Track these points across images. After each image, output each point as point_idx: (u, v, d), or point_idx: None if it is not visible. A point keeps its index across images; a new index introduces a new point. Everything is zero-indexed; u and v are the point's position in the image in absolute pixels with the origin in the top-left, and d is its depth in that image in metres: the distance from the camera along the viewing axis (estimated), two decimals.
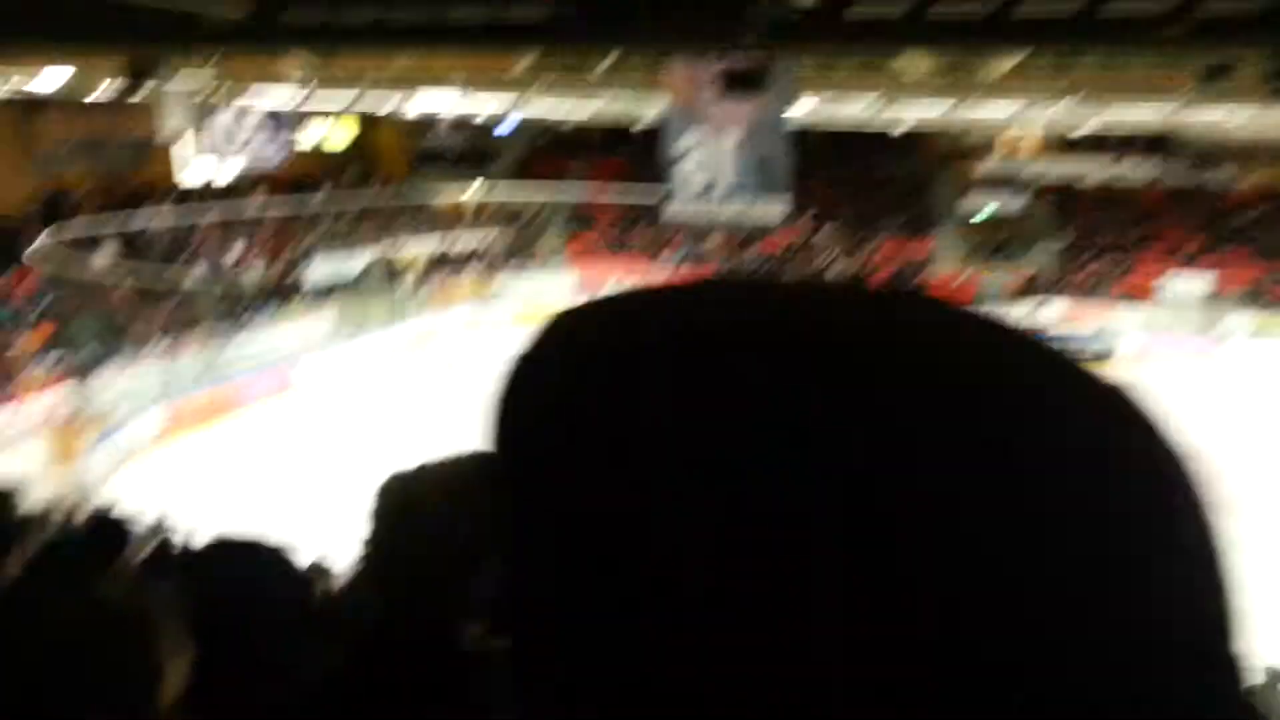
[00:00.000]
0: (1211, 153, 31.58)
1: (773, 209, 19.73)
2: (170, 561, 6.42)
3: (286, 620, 2.13)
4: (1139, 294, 28.69)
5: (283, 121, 23.53)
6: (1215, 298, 28.07)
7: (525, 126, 35.27)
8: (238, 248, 26.00)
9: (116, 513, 6.37)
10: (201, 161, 21.88)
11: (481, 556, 1.23)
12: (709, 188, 20.08)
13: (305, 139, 29.93)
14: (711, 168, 19.79)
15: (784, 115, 18.32)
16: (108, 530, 5.39)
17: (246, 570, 2.11)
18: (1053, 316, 28.16)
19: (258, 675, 1.91)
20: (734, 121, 18.89)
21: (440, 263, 30.69)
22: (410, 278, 28.91)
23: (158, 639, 1.62)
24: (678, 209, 20.09)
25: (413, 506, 1.29)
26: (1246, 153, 31.34)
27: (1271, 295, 27.72)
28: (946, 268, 30.79)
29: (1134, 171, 31.93)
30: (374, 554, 1.32)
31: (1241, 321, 27.16)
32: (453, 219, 32.86)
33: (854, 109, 23.45)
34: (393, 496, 1.32)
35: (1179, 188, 31.48)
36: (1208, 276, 28.36)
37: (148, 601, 1.68)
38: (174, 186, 26.60)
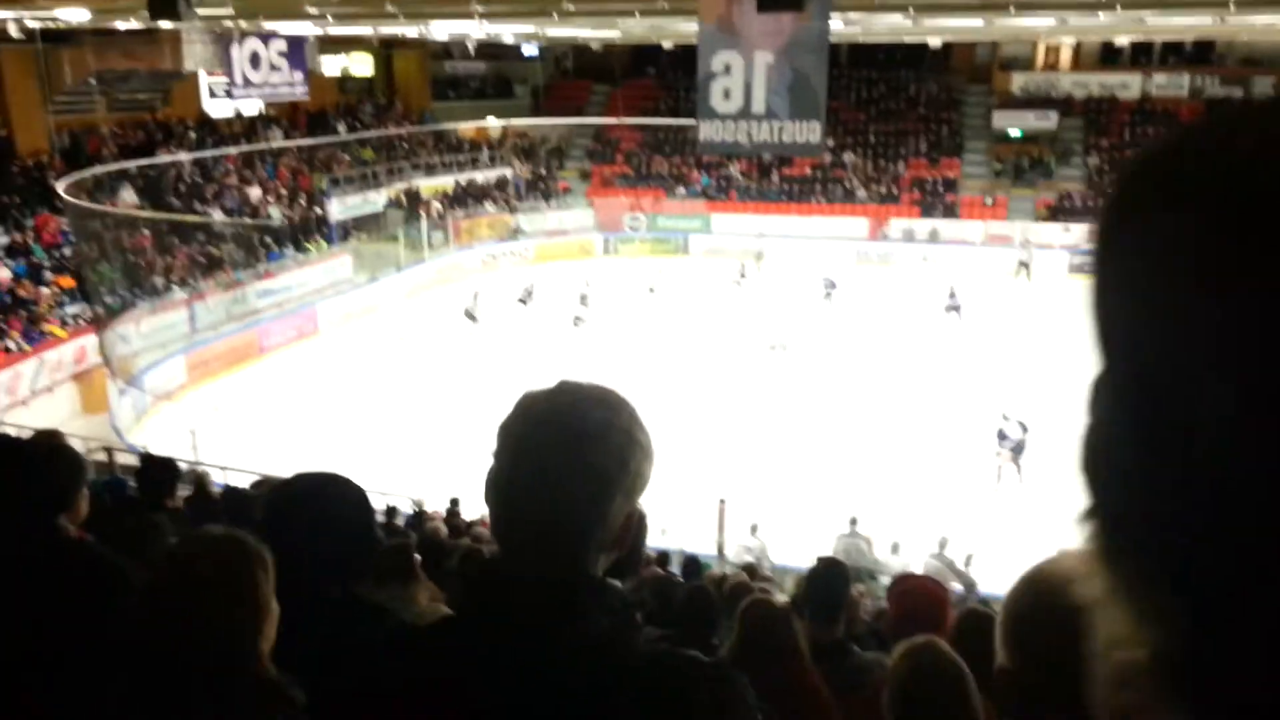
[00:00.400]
0: (1254, 62, 30.68)
1: (809, 133, 19.23)
2: (214, 504, 6.38)
3: (360, 555, 2.10)
4: None
5: (303, 51, 23.04)
6: None
7: (549, 49, 34.55)
8: (259, 185, 25.69)
9: (161, 458, 6.29)
10: (223, 95, 21.49)
11: (614, 490, 1.16)
12: (742, 111, 19.60)
13: (326, 69, 29.42)
14: (744, 90, 19.30)
15: (823, 32, 17.74)
16: (157, 474, 5.30)
17: (320, 508, 2.03)
18: (1082, 237, 27.69)
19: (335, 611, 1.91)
20: (769, 39, 18.36)
21: (461, 197, 30.30)
22: (431, 214, 28.54)
23: (263, 578, 1.62)
24: (709, 134, 19.59)
25: (547, 431, 1.18)
26: None
27: None
28: (975, 188, 30.23)
29: (1172, 85, 31.05)
30: (505, 481, 1.19)
31: None
32: (474, 150, 32.36)
33: (888, 21, 22.69)
34: (528, 418, 1.19)
35: (1217, 99, 30.64)
36: None
37: (251, 543, 1.68)
38: (199, 121, 26.28)
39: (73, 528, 2.97)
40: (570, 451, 1.15)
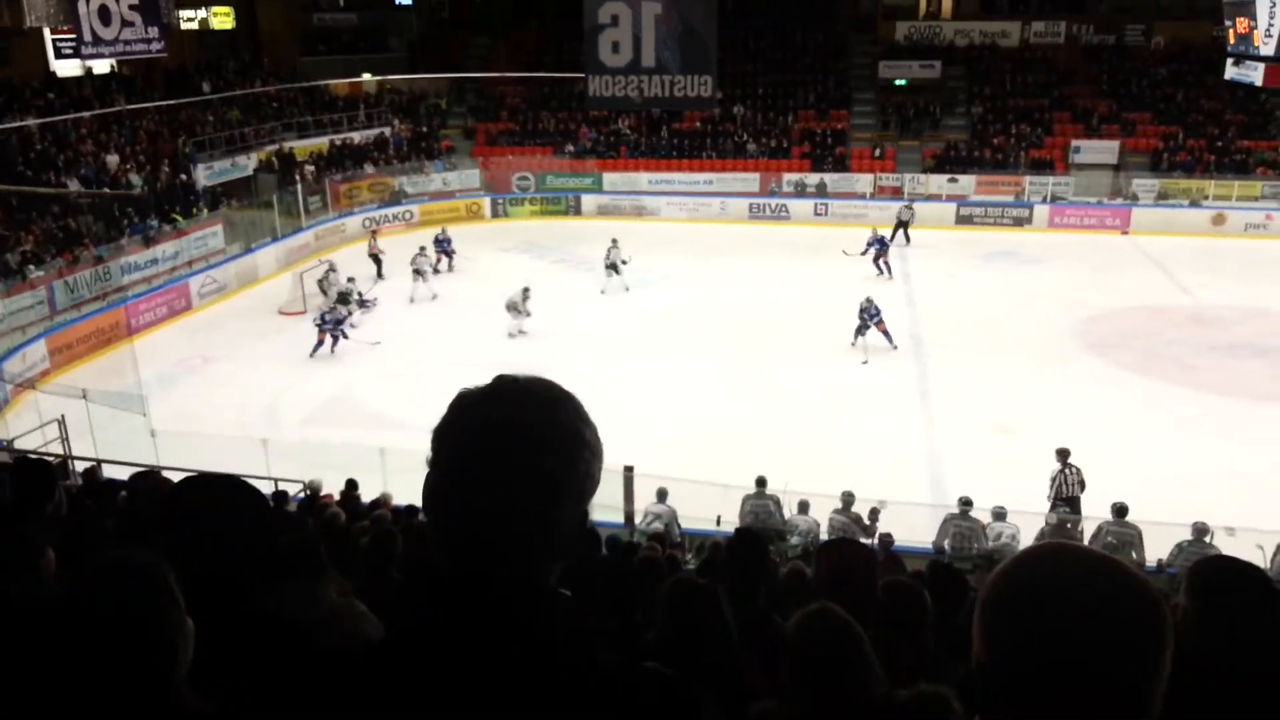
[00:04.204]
0: (1126, 11, 31.48)
1: (701, 87, 18.78)
2: (95, 504, 5.74)
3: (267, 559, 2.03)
4: (1050, 161, 28.79)
5: (157, 4, 21.38)
6: (1122, 164, 28.39)
7: None
8: (117, 151, 23.87)
9: (35, 459, 5.58)
10: (71, 54, 19.79)
11: (564, 495, 1.10)
12: (632, 65, 19.00)
13: (183, 23, 27.52)
14: (634, 42, 18.69)
15: None
16: (31, 477, 4.66)
17: (229, 516, 1.93)
18: (968, 186, 28.11)
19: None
20: None
21: (338, 158, 28.83)
22: (306, 177, 27.03)
23: (173, 608, 1.51)
24: (598, 89, 18.95)
25: (488, 437, 1.09)
26: (1159, 9, 31.31)
27: (1173, 160, 28.16)
28: (863, 139, 30.35)
29: (1049, 32, 31.62)
30: (444, 493, 1.10)
31: (1146, 186, 27.62)
32: (348, 108, 30.82)
33: None
34: (466, 423, 1.11)
35: (1093, 46, 31.37)
36: (1113, 145, 28.59)
37: (157, 561, 1.56)
38: (45, 82, 24.23)
39: None
40: (515, 457, 1.07)
